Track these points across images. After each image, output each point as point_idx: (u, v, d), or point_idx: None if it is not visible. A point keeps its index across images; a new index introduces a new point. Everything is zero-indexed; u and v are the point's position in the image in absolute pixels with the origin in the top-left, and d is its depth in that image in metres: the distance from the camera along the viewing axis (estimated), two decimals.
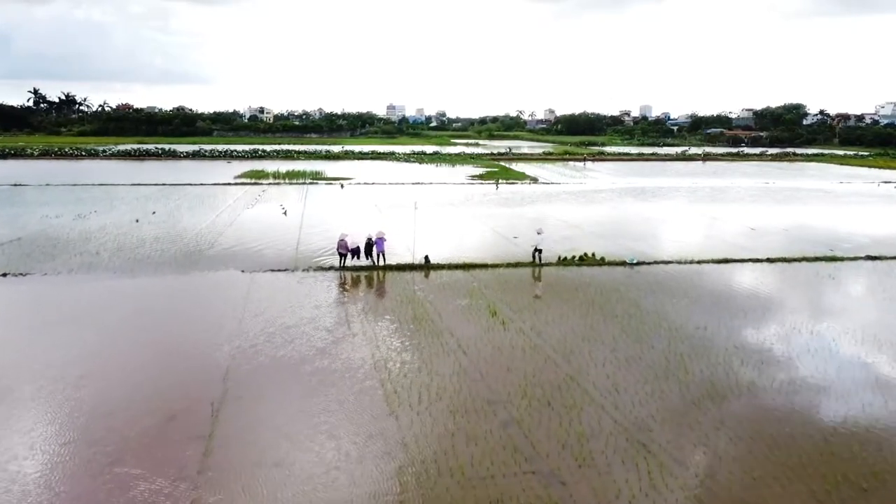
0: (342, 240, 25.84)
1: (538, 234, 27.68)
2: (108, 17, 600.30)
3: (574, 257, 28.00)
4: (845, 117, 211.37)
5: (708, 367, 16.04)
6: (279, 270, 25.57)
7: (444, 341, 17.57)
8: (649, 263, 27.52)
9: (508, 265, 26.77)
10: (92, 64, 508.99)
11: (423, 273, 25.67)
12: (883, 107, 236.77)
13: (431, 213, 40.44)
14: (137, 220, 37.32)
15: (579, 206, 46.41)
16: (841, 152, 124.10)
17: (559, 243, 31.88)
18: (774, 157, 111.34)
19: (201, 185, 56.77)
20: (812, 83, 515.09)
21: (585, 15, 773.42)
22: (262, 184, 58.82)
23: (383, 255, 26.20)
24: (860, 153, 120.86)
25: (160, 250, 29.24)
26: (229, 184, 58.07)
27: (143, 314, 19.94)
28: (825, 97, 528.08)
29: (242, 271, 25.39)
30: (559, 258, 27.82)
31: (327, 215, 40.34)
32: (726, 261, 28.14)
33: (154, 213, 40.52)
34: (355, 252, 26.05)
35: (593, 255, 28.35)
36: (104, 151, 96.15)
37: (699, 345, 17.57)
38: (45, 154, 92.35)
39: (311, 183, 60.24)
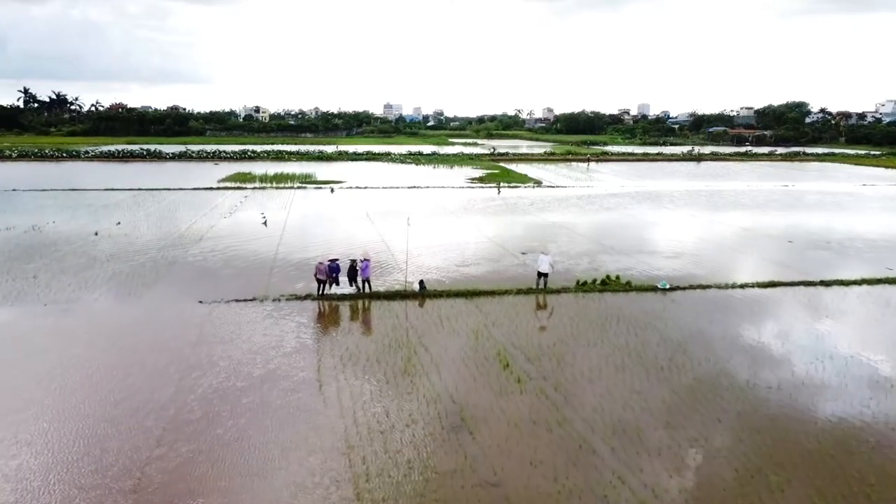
0: (320, 264, 21.60)
1: (543, 254, 23.42)
2: (105, 16, 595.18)
3: (595, 281, 23.81)
4: (847, 115, 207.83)
5: (802, 455, 11.86)
6: (245, 301, 21.34)
7: (443, 411, 13.39)
8: (684, 288, 23.35)
9: (519, 291, 22.57)
10: (89, 64, 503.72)
11: (416, 302, 21.51)
12: (883, 105, 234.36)
13: (427, 224, 36.27)
14: (97, 234, 33.05)
15: (591, 214, 42.22)
16: (852, 152, 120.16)
17: (575, 260, 27.79)
18: (784, 157, 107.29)
19: (180, 189, 52.54)
20: (808, 81, 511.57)
21: (581, 13, 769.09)
22: (246, 188, 54.59)
23: (369, 282, 22.00)
24: (871, 152, 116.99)
25: (111, 273, 24.99)
26: (211, 188, 53.81)
27: (55, 374, 15.62)
28: (822, 95, 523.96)
29: (200, 302, 21.15)
30: (578, 282, 23.63)
31: (312, 225, 36.14)
32: (773, 284, 23.99)
33: (118, 223, 36.27)
34: (334, 274, 21.87)
35: (617, 277, 24.16)
36: (86, 153, 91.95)
37: (779, 415, 13.40)
38: (24, 156, 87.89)
39: (299, 187, 56.00)
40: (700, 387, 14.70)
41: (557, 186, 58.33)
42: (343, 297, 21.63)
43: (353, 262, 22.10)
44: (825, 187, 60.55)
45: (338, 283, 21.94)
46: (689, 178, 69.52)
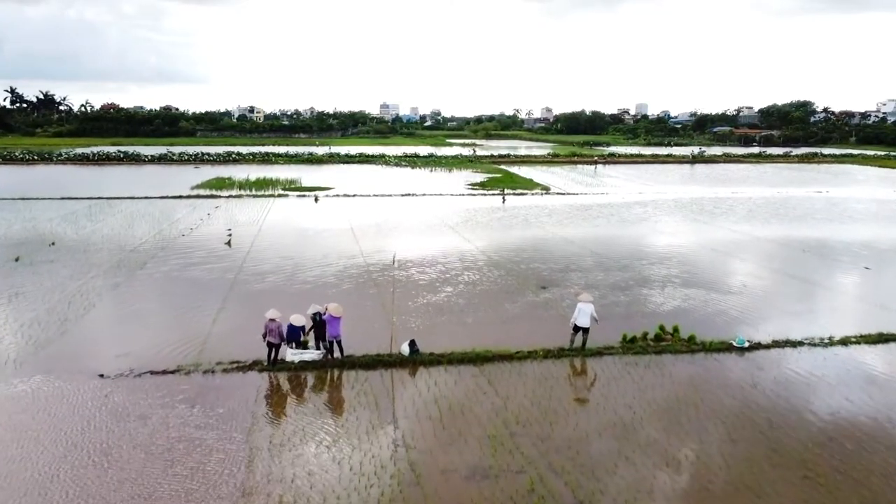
0: (271, 321, 15.38)
1: (582, 302, 16.88)
2: (101, 16, 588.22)
3: (646, 335, 17.73)
4: (850, 115, 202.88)
5: None
6: (164, 373, 15.21)
7: None
8: (767, 346, 17.30)
9: (547, 354, 16.44)
10: (86, 64, 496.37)
11: (406, 371, 15.45)
12: (885, 104, 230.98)
13: (422, 246, 30.15)
14: (17, 259, 26.93)
15: (614, 228, 36.13)
16: (870, 152, 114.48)
17: (610, 297, 21.76)
18: (802, 159, 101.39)
19: (145, 198, 46.39)
20: (806, 81, 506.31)
21: (578, 13, 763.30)
22: (220, 196, 48.45)
23: (340, 343, 15.85)
24: (891, 153, 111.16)
25: (1, 322, 18.84)
26: (180, 196, 47.66)
27: None
28: (820, 95, 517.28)
29: (101, 376, 15.03)
30: (624, 337, 17.51)
31: (284, 246, 29.93)
32: (884, 339, 17.91)
33: (52, 244, 30.12)
34: (292, 336, 15.76)
35: (675, 330, 18.05)
36: (59, 155, 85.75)
37: None
38: None
39: (280, 195, 49.84)
40: None
41: (568, 193, 52.26)
42: (304, 366, 15.51)
43: (317, 315, 15.95)
44: (863, 193, 54.61)
45: (297, 345, 15.78)
46: (710, 182, 63.49)
